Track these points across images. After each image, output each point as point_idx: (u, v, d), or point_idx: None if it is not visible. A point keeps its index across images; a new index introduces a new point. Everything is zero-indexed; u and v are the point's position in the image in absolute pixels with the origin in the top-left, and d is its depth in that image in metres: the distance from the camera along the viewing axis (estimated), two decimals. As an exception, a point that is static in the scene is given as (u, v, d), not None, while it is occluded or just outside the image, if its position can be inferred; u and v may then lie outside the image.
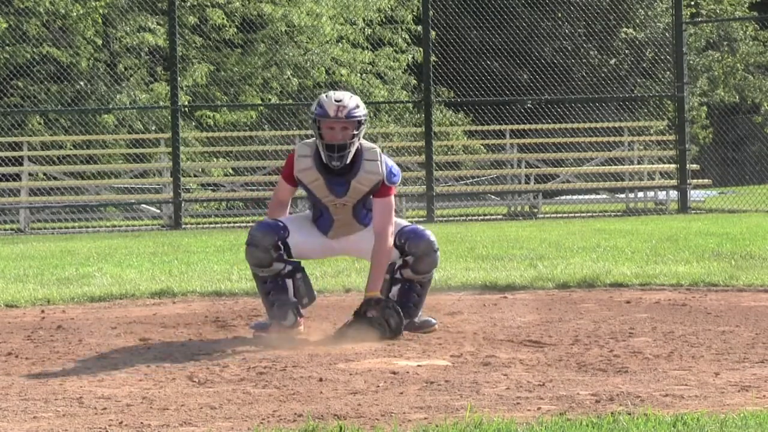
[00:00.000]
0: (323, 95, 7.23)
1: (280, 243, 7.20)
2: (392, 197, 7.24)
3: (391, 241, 7.19)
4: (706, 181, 23.82)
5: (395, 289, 7.27)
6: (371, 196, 7.20)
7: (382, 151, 7.31)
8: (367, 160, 7.17)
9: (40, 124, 23.41)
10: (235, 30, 25.48)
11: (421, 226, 7.31)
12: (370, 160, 7.17)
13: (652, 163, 23.26)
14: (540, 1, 27.00)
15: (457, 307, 8.31)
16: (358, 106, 7.11)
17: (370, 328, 6.93)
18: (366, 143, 7.25)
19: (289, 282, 7.27)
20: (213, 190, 23.61)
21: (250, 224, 7.67)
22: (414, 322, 7.26)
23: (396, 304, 7.08)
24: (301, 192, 7.53)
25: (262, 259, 7.19)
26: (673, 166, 21.91)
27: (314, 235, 7.34)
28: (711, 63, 32.59)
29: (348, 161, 7.10)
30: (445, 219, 21.33)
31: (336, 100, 7.11)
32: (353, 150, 7.11)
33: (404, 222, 7.45)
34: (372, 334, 6.89)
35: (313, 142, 7.20)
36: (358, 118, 7.08)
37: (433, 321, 7.34)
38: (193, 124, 24.74)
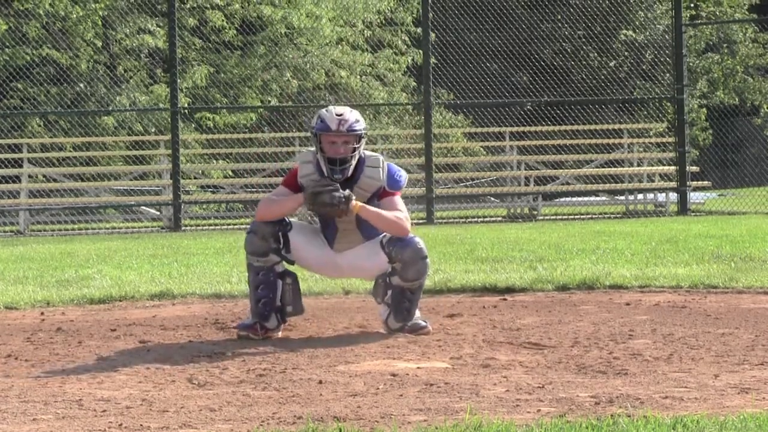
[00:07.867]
0: (323, 110, 7.27)
1: (280, 235, 7.22)
2: (398, 197, 7.27)
3: (405, 222, 7.19)
4: (705, 183, 23.83)
5: (389, 294, 7.28)
6: (376, 200, 7.22)
7: (385, 157, 7.33)
8: (368, 167, 7.24)
9: (39, 126, 23.41)
10: (235, 32, 25.47)
11: (411, 234, 7.29)
12: (372, 167, 7.25)
13: (652, 165, 23.26)
14: (540, 3, 26.99)
15: (457, 309, 8.30)
16: (358, 120, 7.20)
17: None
18: (369, 153, 7.33)
19: (280, 283, 7.30)
20: (213, 192, 23.60)
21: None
22: (406, 326, 7.26)
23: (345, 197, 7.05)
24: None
25: (259, 246, 7.22)
26: (672, 168, 21.92)
27: (318, 243, 7.35)
28: (711, 65, 32.59)
29: (350, 174, 7.18)
30: (444, 221, 21.32)
31: (337, 114, 7.18)
32: (354, 163, 7.19)
33: None
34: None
35: (314, 150, 7.24)
36: (359, 132, 7.16)
37: (423, 323, 7.32)
38: (193, 126, 24.73)
